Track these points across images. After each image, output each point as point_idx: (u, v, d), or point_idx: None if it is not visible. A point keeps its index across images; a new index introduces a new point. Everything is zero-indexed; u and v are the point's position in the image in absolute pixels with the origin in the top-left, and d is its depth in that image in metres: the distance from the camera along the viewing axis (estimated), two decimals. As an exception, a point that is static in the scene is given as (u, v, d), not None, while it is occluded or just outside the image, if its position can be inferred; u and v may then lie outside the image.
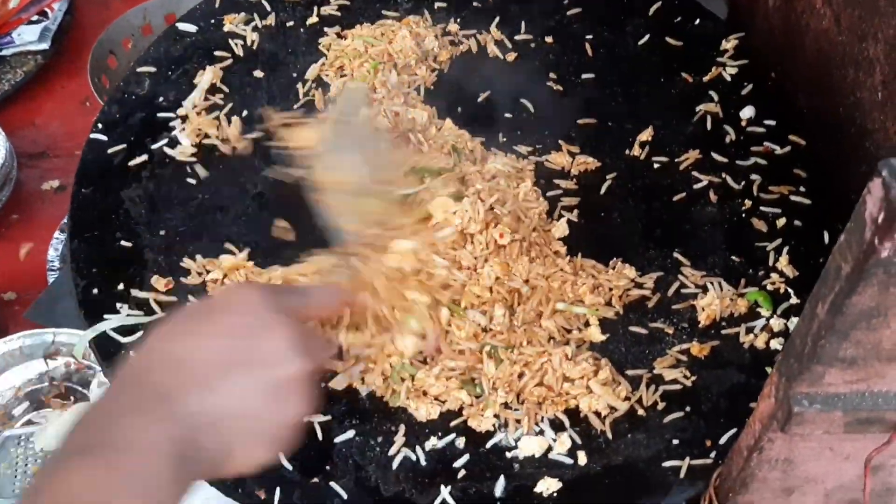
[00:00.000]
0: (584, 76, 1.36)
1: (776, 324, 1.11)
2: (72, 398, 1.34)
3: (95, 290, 1.11)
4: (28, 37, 1.78)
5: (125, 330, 1.07)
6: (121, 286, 1.11)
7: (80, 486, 0.62)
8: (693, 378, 1.07)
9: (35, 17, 1.82)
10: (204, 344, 0.73)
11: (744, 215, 1.21)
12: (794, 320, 1.11)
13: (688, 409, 1.05)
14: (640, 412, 1.05)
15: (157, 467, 0.65)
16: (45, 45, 1.78)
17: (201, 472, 0.71)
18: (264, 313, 0.75)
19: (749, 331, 1.11)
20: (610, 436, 1.03)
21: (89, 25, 1.87)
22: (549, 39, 1.40)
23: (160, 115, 1.27)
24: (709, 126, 1.30)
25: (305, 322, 0.83)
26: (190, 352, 0.72)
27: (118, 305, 1.09)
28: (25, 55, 1.79)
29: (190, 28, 1.36)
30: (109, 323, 1.07)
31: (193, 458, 0.68)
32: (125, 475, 0.64)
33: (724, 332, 1.11)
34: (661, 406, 1.05)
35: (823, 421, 0.79)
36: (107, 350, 1.06)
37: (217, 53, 1.34)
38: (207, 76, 1.29)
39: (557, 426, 1.03)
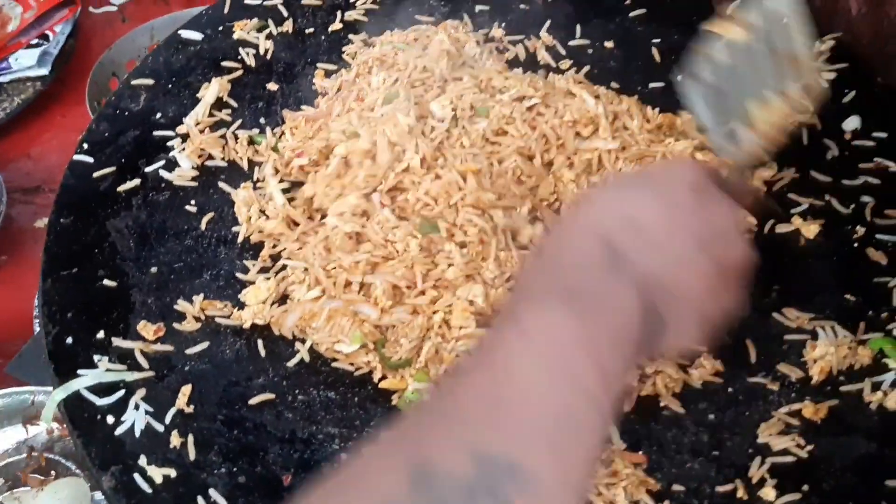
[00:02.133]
0: (651, 85, 1.16)
1: (910, 379, 0.90)
2: (53, 472, 1.14)
3: (69, 340, 0.91)
4: (26, 62, 1.62)
5: (102, 388, 0.87)
6: (100, 334, 0.92)
7: (569, 332, 0.57)
8: (809, 448, 0.86)
9: (35, 41, 1.66)
10: (657, 208, 0.66)
11: (856, 245, 1.01)
12: (933, 374, 0.89)
13: (805, 488, 0.83)
14: (742, 493, 0.83)
15: (632, 332, 0.61)
16: (44, 71, 1.62)
17: (648, 343, 0.64)
18: (711, 191, 0.69)
19: (875, 387, 0.90)
20: (709, 525, 0.81)
21: (95, 50, 1.70)
22: (608, 44, 1.20)
23: (157, 133, 1.08)
24: (805, 140, 1.09)
25: None
26: (642, 215, 0.65)
27: (95, 358, 0.90)
28: (23, 82, 1.62)
29: (195, 36, 1.18)
30: (83, 380, 0.88)
31: (649, 327, 0.62)
32: (610, 333, 0.59)
33: (843, 388, 0.91)
34: (770, 484, 0.83)
35: None
36: (80, 414, 0.87)
37: (225, 64, 1.15)
38: (213, 89, 1.11)
39: (641, 510, 0.82)
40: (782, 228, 1.02)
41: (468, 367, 0.59)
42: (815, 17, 1.51)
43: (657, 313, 0.63)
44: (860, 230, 1.01)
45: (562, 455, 0.53)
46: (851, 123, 1.10)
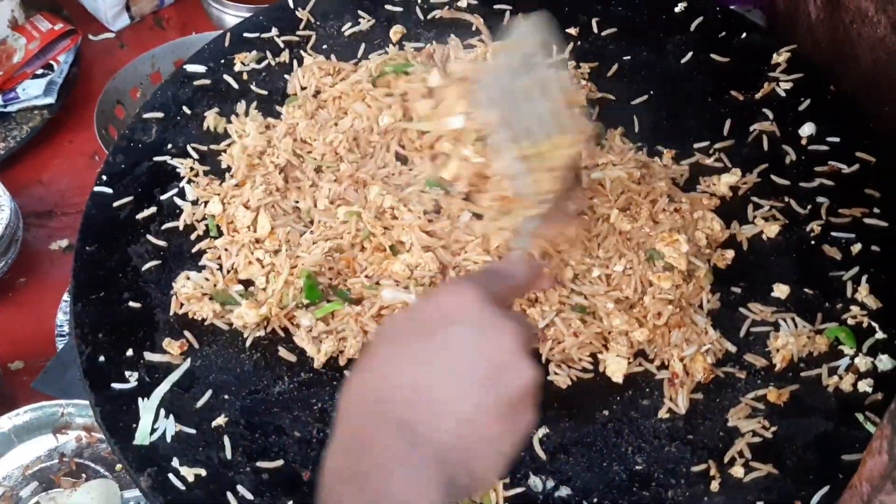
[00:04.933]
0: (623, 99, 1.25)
1: (862, 363, 0.99)
2: (83, 476, 1.23)
3: (101, 358, 1.00)
4: (33, 91, 1.70)
5: (135, 400, 0.97)
6: (130, 352, 1.01)
7: None
8: (773, 429, 0.96)
9: (40, 71, 1.73)
10: (436, 367, 0.65)
11: (813, 242, 1.10)
12: (883, 358, 0.99)
13: (771, 465, 0.93)
14: (714, 472, 0.93)
15: None
16: (50, 100, 1.70)
17: None
18: (487, 318, 0.66)
19: (832, 372, 1.00)
20: (682, 501, 0.91)
21: (97, 77, 1.78)
22: (583, 63, 1.29)
23: (169, 162, 1.17)
24: (766, 146, 1.19)
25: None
26: (424, 378, 0.65)
27: (127, 374, 0.99)
28: (31, 111, 1.70)
29: (199, 69, 1.26)
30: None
31: (452, 495, 0.63)
32: None
33: (803, 374, 1.00)
34: (739, 462, 0.93)
35: (953, 481, 0.67)
36: (115, 423, 0.96)
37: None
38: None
39: (623, 490, 0.92)
40: (747, 229, 1.12)
41: None
42: (777, 21, 1.63)
43: (456, 480, 0.63)
44: (817, 229, 1.10)
45: None
46: (807, 129, 1.19)
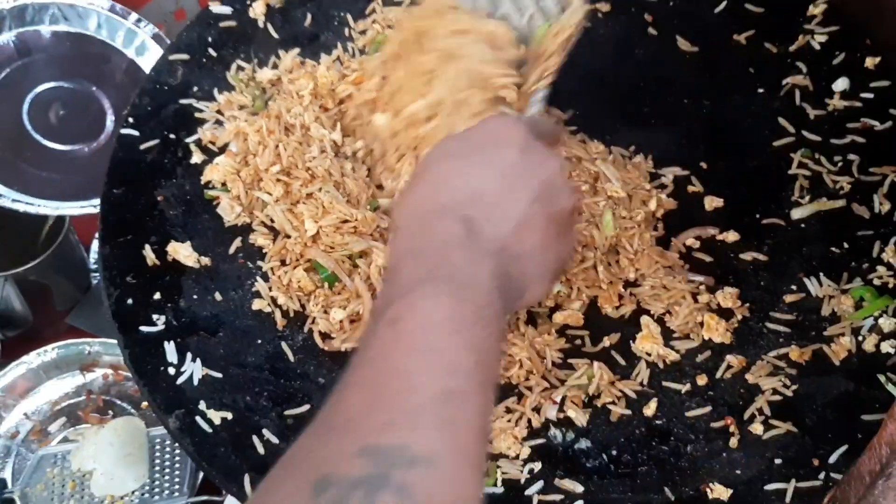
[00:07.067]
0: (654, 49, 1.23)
1: (886, 324, 0.99)
2: (110, 412, 1.26)
3: (129, 301, 1.01)
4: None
5: (162, 344, 0.98)
6: (157, 295, 1.02)
7: (439, 315, 0.61)
8: (794, 387, 0.96)
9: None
10: (491, 177, 0.71)
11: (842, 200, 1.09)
12: (908, 319, 0.99)
13: (790, 423, 0.93)
14: (733, 428, 0.93)
15: (494, 303, 0.65)
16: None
17: (508, 307, 0.70)
18: (533, 145, 0.74)
19: (856, 332, 0.99)
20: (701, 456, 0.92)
21: (120, 13, 1.78)
22: (606, 8, 1.27)
23: (195, 105, 1.16)
24: (798, 101, 1.17)
25: None
26: (481, 184, 0.71)
27: (154, 317, 1.00)
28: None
29: (225, 10, 1.25)
30: None
31: (506, 293, 0.67)
32: (475, 309, 0.62)
33: (826, 333, 1.00)
34: (759, 420, 0.94)
35: (974, 448, 0.67)
36: (144, 366, 0.97)
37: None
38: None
39: (642, 443, 0.93)
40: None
41: (350, 369, 0.61)
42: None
43: (511, 276, 0.68)
44: (847, 186, 1.09)
45: (450, 430, 0.55)
46: (840, 84, 1.17)
